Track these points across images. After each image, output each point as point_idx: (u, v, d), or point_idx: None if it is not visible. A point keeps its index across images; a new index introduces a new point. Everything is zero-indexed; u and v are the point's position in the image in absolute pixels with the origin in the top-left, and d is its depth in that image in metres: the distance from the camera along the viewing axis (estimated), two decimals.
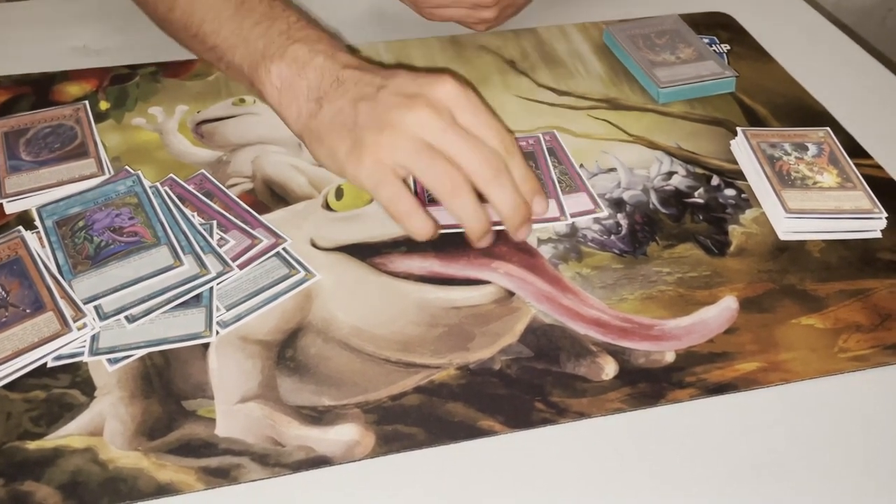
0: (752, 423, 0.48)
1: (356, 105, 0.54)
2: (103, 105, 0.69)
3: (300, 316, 0.52)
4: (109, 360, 0.49)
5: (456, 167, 0.52)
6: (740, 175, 0.64)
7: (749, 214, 0.61)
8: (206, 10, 0.62)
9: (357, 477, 0.45)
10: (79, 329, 0.49)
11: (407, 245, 0.57)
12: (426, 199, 0.60)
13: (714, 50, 0.77)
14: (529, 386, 0.49)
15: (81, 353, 0.49)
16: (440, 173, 0.52)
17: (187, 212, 0.57)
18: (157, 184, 0.59)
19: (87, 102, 0.67)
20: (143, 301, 0.51)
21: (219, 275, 0.52)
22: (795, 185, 0.61)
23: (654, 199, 0.62)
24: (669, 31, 0.77)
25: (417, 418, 0.47)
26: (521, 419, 0.47)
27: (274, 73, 0.57)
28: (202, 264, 0.53)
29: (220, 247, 0.55)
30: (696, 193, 0.63)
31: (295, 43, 0.58)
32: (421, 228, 0.54)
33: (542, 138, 0.66)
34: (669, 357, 0.51)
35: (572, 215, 0.59)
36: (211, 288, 0.52)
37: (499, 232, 0.58)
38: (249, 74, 0.60)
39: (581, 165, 0.64)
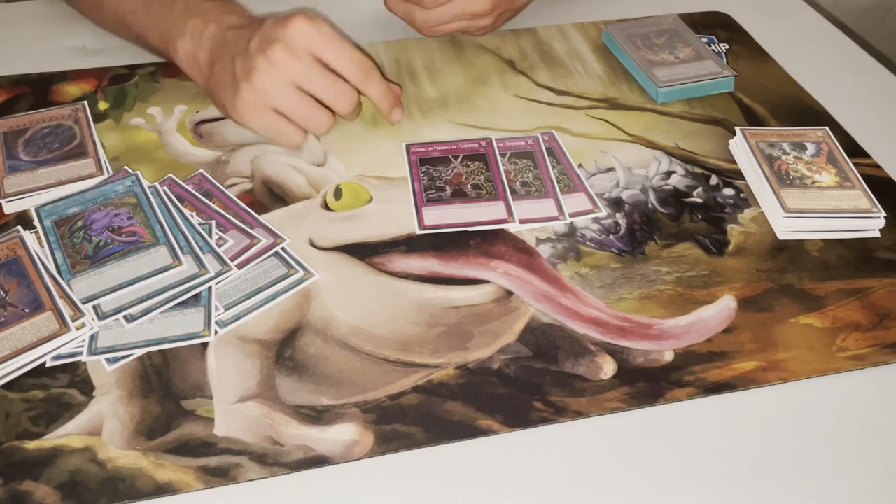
0: (751, 422, 0.48)
1: (234, 60, 0.62)
2: (102, 105, 0.69)
3: (299, 315, 0.52)
4: (108, 360, 0.49)
5: (320, 102, 0.62)
6: (739, 174, 0.64)
7: (748, 214, 0.61)
8: (126, 4, 0.70)
9: (356, 476, 0.45)
10: (77, 329, 0.49)
11: (406, 245, 0.57)
12: (424, 199, 0.60)
13: (713, 49, 0.77)
14: (528, 385, 0.49)
15: (80, 353, 0.49)
16: (308, 115, 0.62)
17: (186, 211, 0.57)
18: (156, 184, 0.59)
19: (85, 102, 0.67)
20: (141, 301, 0.51)
21: (217, 274, 0.52)
22: (794, 185, 0.61)
23: (652, 198, 0.62)
24: (668, 30, 0.77)
25: (416, 418, 0.47)
26: (519, 418, 0.47)
27: (181, 49, 0.65)
28: (201, 264, 0.53)
29: (219, 246, 0.55)
30: (694, 193, 0.63)
31: (192, 18, 0.65)
32: (292, 139, 0.63)
33: (540, 138, 0.66)
34: (668, 356, 0.51)
35: (571, 215, 0.59)
36: (209, 288, 0.52)
37: (497, 232, 0.58)
38: (167, 54, 0.67)
39: (580, 165, 0.64)
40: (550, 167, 0.63)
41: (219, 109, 0.65)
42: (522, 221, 0.59)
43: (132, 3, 0.69)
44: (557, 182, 0.62)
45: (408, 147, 0.64)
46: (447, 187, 0.61)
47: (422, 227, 0.58)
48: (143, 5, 0.68)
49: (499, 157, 0.64)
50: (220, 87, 0.63)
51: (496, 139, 0.65)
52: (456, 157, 0.64)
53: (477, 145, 0.65)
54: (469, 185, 0.61)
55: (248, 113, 0.61)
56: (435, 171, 0.62)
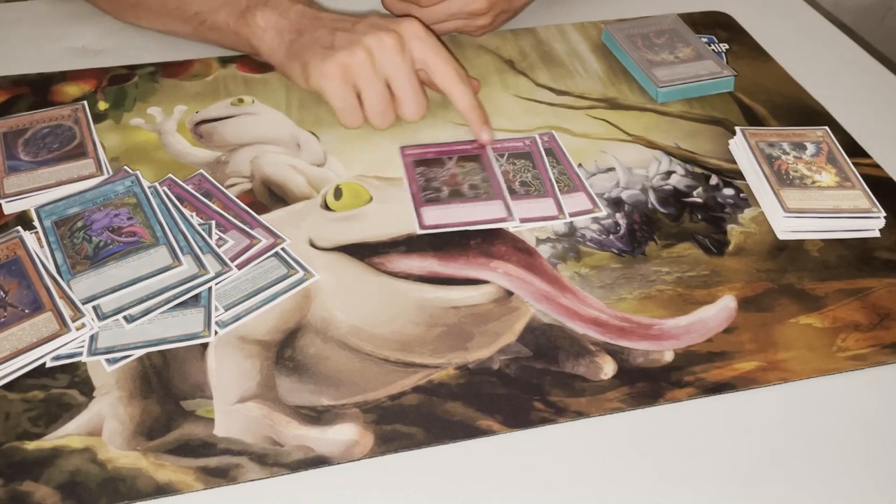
0: (751, 422, 0.48)
1: (334, 33, 0.64)
2: (102, 105, 0.69)
3: (299, 316, 0.52)
4: (108, 360, 0.49)
5: (390, 98, 0.64)
6: (739, 174, 0.64)
7: (748, 214, 0.61)
8: None
9: (356, 477, 0.45)
10: (77, 329, 0.49)
11: (406, 245, 0.57)
12: (422, 199, 0.60)
13: (713, 49, 0.77)
14: (528, 385, 0.49)
15: (80, 354, 0.49)
16: (382, 110, 0.64)
17: (186, 212, 0.57)
18: (156, 184, 0.59)
19: (85, 103, 0.67)
20: (141, 301, 0.51)
21: (217, 275, 0.52)
22: (794, 185, 0.61)
23: (652, 198, 0.62)
24: (668, 30, 0.77)
25: (416, 418, 0.47)
26: (519, 419, 0.47)
27: (259, 17, 0.67)
28: (201, 264, 0.53)
29: (219, 247, 0.55)
30: (694, 193, 0.63)
31: None
32: (352, 119, 0.64)
33: (538, 139, 0.66)
34: (668, 356, 0.51)
35: (571, 215, 0.59)
36: (209, 288, 0.52)
37: (497, 232, 0.58)
38: (235, 27, 0.68)
39: (580, 165, 0.64)
40: (549, 167, 0.63)
41: (289, 74, 0.66)
42: (523, 220, 0.59)
43: None
44: (557, 182, 0.62)
45: (402, 149, 0.64)
46: (444, 188, 0.61)
47: (422, 226, 0.58)
48: None
49: (493, 158, 0.63)
50: (307, 51, 0.64)
51: (494, 139, 0.65)
52: (450, 159, 0.64)
53: (470, 146, 0.65)
54: (466, 185, 0.61)
55: (333, 75, 0.62)
56: (430, 173, 0.62)
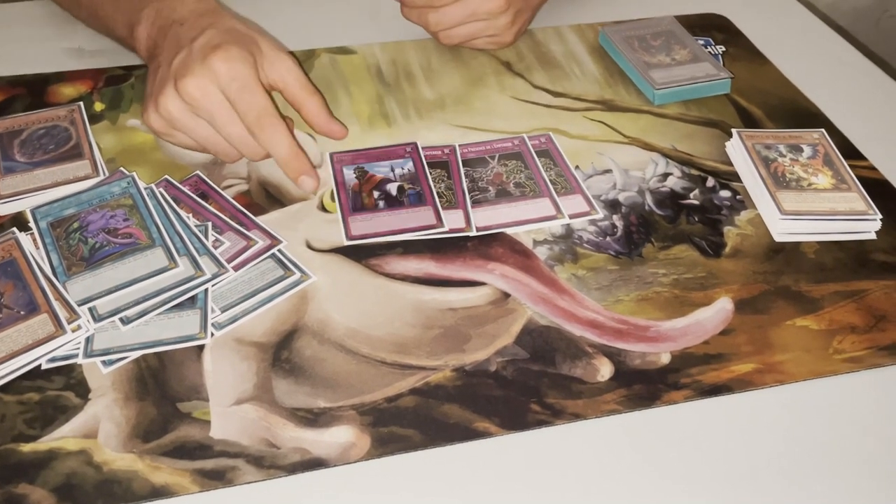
0: (748, 424, 0.48)
1: (164, 63, 0.60)
2: (98, 106, 0.68)
3: (295, 318, 0.52)
4: (104, 362, 0.49)
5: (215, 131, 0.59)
6: (735, 176, 0.64)
7: (744, 216, 0.61)
8: None
9: (352, 479, 0.45)
10: (73, 331, 0.49)
11: (403, 246, 0.57)
12: (350, 209, 0.60)
13: (709, 51, 0.77)
14: (525, 387, 0.49)
15: (76, 355, 0.49)
16: (203, 136, 0.60)
17: (182, 213, 0.57)
18: (152, 185, 0.59)
19: (81, 104, 0.67)
20: (137, 303, 0.50)
21: (214, 276, 0.52)
22: (790, 187, 0.61)
23: (649, 200, 0.62)
24: (665, 32, 0.77)
25: (413, 420, 0.47)
26: (516, 421, 0.47)
27: (139, 37, 0.64)
28: (197, 266, 0.52)
29: (216, 248, 0.54)
30: (691, 195, 0.63)
31: (146, 6, 0.64)
32: (228, 155, 0.61)
33: (526, 139, 0.65)
34: (665, 358, 0.51)
35: (568, 216, 0.59)
36: (206, 290, 0.52)
37: (495, 236, 0.58)
38: (132, 44, 0.66)
39: (576, 167, 0.64)
40: (542, 168, 0.63)
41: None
42: (519, 223, 0.58)
43: None
44: (554, 184, 0.62)
45: (332, 155, 0.63)
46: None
47: (349, 237, 0.57)
48: None
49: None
50: (148, 85, 0.62)
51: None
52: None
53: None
54: (405, 193, 0.60)
55: (153, 130, 0.61)
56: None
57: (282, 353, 0.50)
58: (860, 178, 0.62)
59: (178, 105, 0.58)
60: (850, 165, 0.63)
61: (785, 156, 0.63)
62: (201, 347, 0.50)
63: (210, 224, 0.56)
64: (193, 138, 0.60)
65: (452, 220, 0.58)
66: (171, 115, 0.59)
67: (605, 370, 0.50)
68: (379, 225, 0.58)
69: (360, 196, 0.60)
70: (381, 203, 0.59)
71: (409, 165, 0.62)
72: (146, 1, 0.64)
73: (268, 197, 0.61)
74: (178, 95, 0.58)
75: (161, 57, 0.61)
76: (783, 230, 0.59)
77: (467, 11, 0.71)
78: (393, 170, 0.62)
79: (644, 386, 0.49)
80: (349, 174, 0.61)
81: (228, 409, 0.47)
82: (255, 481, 0.44)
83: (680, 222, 0.60)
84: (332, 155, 0.64)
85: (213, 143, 0.60)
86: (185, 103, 0.58)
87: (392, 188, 0.60)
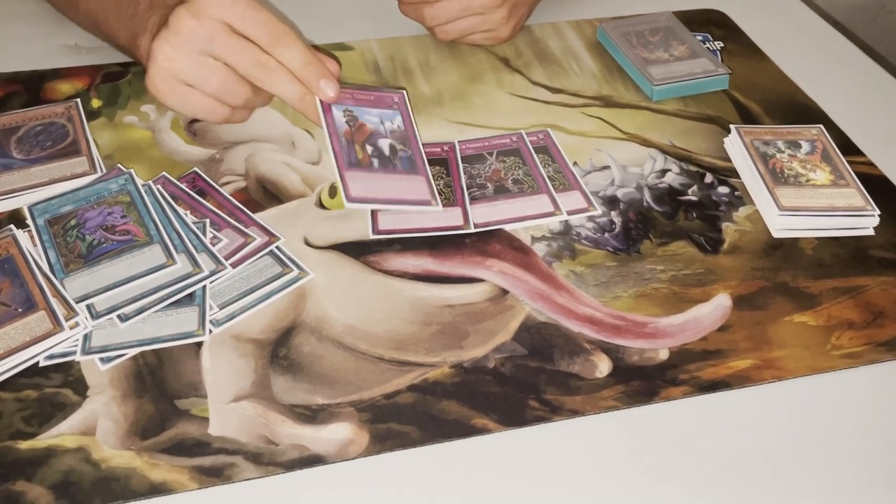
0: (746, 420, 0.48)
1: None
2: (95, 103, 0.68)
3: (293, 314, 0.52)
4: (102, 359, 0.49)
5: (231, 71, 0.57)
6: (734, 172, 0.64)
7: (742, 212, 0.61)
8: (98, 3, 0.68)
9: (351, 475, 0.45)
10: (71, 328, 0.49)
11: (401, 243, 0.57)
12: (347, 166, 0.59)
13: (707, 47, 0.77)
14: (523, 384, 0.49)
15: (73, 353, 0.49)
16: (221, 86, 0.58)
17: (180, 210, 0.56)
18: (150, 182, 0.58)
19: (78, 100, 0.67)
20: (135, 300, 0.50)
21: (212, 273, 0.52)
22: (789, 183, 0.61)
23: (647, 196, 0.62)
24: (663, 28, 0.77)
25: (411, 417, 0.47)
26: (514, 417, 0.47)
27: (143, 46, 0.61)
28: (195, 263, 0.52)
29: (213, 245, 0.54)
30: (689, 191, 0.63)
31: (153, 15, 0.61)
32: (214, 114, 0.60)
33: (524, 135, 0.65)
34: (663, 355, 0.51)
35: (566, 212, 0.59)
36: (204, 286, 0.52)
37: (493, 232, 0.58)
38: (135, 54, 0.64)
39: (575, 163, 0.64)
40: (539, 164, 0.63)
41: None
42: (517, 220, 0.58)
43: (102, 3, 0.67)
44: (552, 181, 0.62)
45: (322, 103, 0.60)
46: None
47: (349, 199, 0.55)
48: (113, 5, 0.65)
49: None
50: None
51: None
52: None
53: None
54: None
55: (159, 92, 0.58)
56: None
57: (280, 350, 0.50)
58: (858, 174, 0.62)
59: (173, 44, 0.56)
60: (849, 161, 0.63)
61: (783, 152, 0.63)
62: (199, 344, 0.50)
63: (208, 221, 0.56)
64: (200, 87, 0.58)
65: (451, 217, 0.58)
66: (169, 58, 0.56)
67: (603, 366, 0.50)
68: (376, 189, 0.56)
69: (353, 147, 0.58)
70: (376, 162, 0.58)
71: (399, 121, 0.61)
72: (150, 10, 0.62)
73: (265, 194, 0.61)
74: (172, 33, 0.56)
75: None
76: (781, 226, 0.59)
77: (462, 6, 0.72)
78: (383, 122, 0.61)
79: (642, 382, 0.49)
80: (339, 116, 0.60)
81: (226, 405, 0.47)
82: (253, 478, 0.44)
83: (678, 218, 0.60)
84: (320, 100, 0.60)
85: (222, 84, 0.58)
86: (179, 38, 0.56)
87: (384, 145, 0.59)
